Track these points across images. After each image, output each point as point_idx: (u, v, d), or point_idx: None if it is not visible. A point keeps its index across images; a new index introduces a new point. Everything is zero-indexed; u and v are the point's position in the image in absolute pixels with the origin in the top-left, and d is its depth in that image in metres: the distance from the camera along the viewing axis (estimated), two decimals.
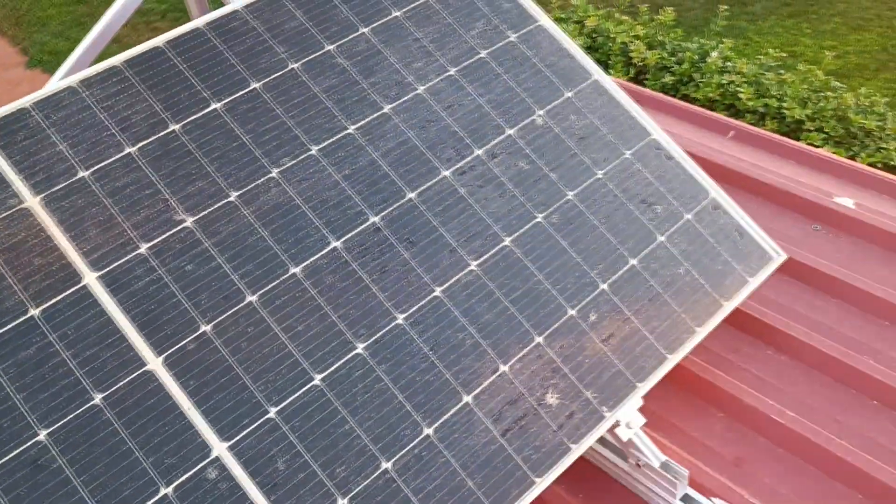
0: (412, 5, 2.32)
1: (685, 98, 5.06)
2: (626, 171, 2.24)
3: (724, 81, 5.02)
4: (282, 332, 1.82)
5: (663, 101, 3.34)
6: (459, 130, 2.17)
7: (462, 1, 2.37)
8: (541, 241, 2.08)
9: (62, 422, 1.64)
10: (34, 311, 1.72)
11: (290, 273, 1.88)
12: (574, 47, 2.40)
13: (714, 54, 5.21)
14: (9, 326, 1.70)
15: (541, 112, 2.26)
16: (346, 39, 2.22)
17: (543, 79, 2.32)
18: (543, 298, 2.01)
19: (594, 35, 5.36)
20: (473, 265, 2.00)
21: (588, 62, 2.39)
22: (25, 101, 1.94)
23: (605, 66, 5.25)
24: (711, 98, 4.97)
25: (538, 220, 2.11)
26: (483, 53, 2.31)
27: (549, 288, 2.02)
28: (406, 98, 2.18)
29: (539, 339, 1.96)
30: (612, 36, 5.25)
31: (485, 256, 2.02)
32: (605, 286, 2.07)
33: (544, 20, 2.43)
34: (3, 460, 1.58)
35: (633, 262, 2.12)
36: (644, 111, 3.22)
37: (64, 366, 1.69)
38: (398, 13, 2.30)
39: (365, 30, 2.25)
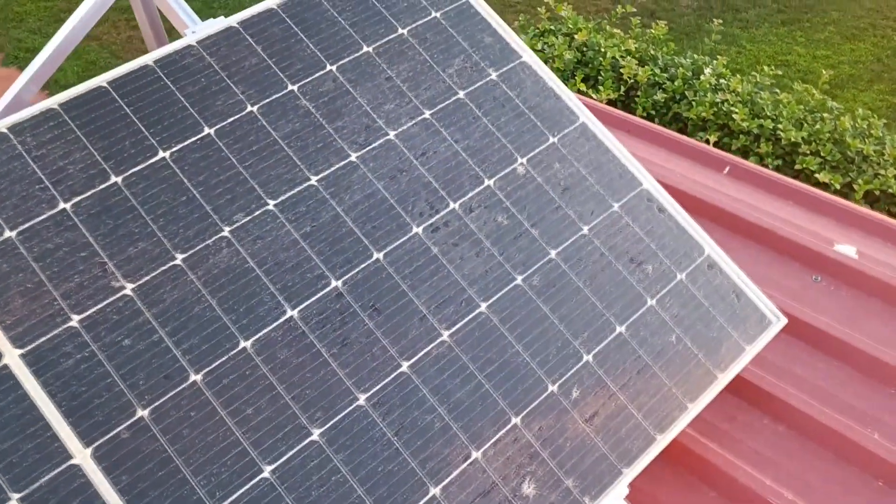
0: (385, 40, 2.13)
1: (677, 117, 4.89)
2: (614, 226, 2.06)
3: (717, 100, 4.84)
4: (228, 416, 1.63)
5: (655, 132, 3.16)
6: (433, 181, 1.98)
7: (439, 35, 2.18)
8: (520, 307, 1.89)
9: None
10: None
11: (239, 348, 1.69)
12: (560, 86, 2.22)
13: (708, 71, 5.04)
14: None
15: (522, 160, 2.08)
16: (310, 78, 2.02)
17: (526, 122, 2.13)
18: (522, 372, 1.83)
19: (584, 49, 5.17)
20: (445, 335, 1.82)
21: (575, 103, 2.21)
22: None
23: (596, 81, 5.07)
24: (704, 117, 4.79)
25: (517, 282, 1.92)
26: (461, 94, 2.12)
27: (528, 360, 1.84)
28: (375, 144, 1.98)
29: (516, 420, 1.78)
30: (602, 50, 5.06)
31: (458, 325, 1.83)
32: (589, 357, 1.89)
33: (528, 55, 2.24)
34: None
35: (621, 329, 1.94)
36: (634, 145, 3.04)
37: None
38: (369, 48, 2.11)
39: (332, 67, 2.05)
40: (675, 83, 4.98)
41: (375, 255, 1.85)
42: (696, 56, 5.29)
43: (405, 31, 2.16)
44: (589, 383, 1.86)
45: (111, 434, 1.56)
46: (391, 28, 2.15)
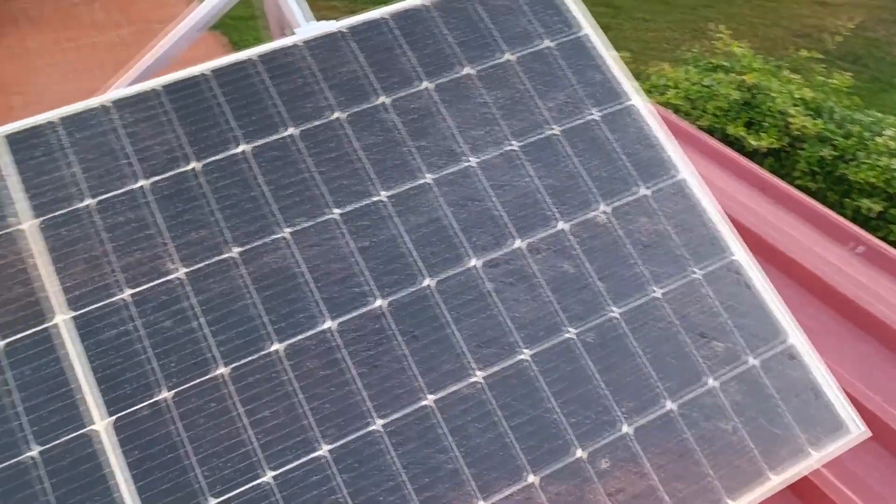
0: (489, 64, 2.09)
1: (841, 179, 4.52)
2: (690, 295, 1.92)
3: (893, 166, 4.43)
4: (245, 414, 1.66)
5: (787, 193, 2.92)
6: (504, 215, 1.92)
7: (547, 66, 2.11)
8: (566, 361, 1.80)
9: None
10: None
11: (271, 349, 1.71)
12: (666, 136, 2.09)
13: (889, 133, 4.62)
14: None
15: (606, 208, 1.98)
16: (403, 93, 2.01)
17: (620, 168, 2.03)
18: (551, 430, 1.74)
19: (754, 91, 4.88)
20: (479, 376, 1.76)
21: (680, 156, 2.08)
22: (53, 114, 1.86)
23: (759, 127, 4.77)
24: (872, 184, 4.40)
25: (570, 335, 1.83)
26: (556, 129, 2.04)
27: (561, 419, 1.75)
28: (453, 170, 1.95)
29: (533, 479, 1.70)
30: (772, 96, 4.76)
31: (495, 368, 1.77)
32: (628, 429, 1.77)
33: (638, 99, 2.12)
34: None
35: (671, 405, 1.81)
36: (755, 200, 2.83)
37: (11, 409, 1.60)
38: (472, 70, 2.07)
39: (428, 84, 2.03)
40: (849, 140, 4.60)
41: (427, 282, 1.82)
42: (879, 115, 4.87)
43: (513, 58, 2.10)
44: (622, 456, 1.74)
45: (132, 409, 1.63)
46: (498, 52, 2.10)
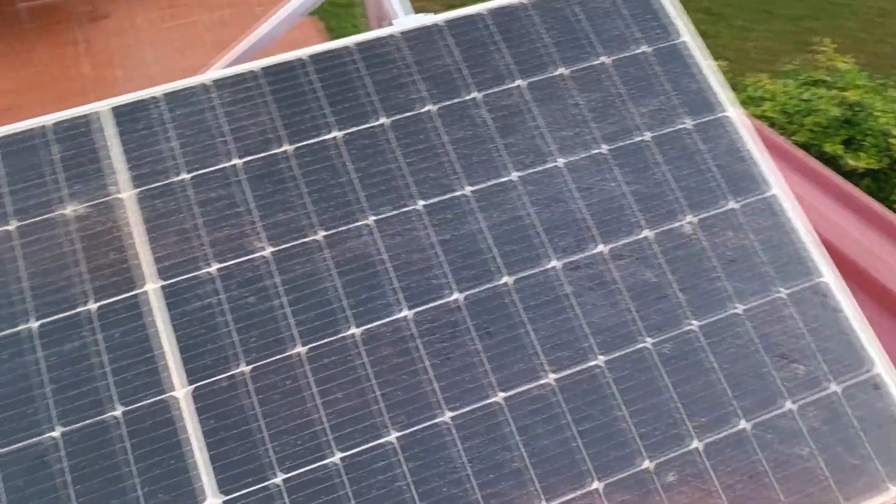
0: (584, 65, 2.07)
1: None
2: (774, 314, 1.87)
3: None
4: (318, 394, 1.69)
5: (885, 217, 2.82)
6: (589, 218, 1.91)
7: (642, 71, 2.08)
8: (640, 371, 1.78)
9: (76, 425, 1.62)
10: (91, 306, 1.72)
11: (348, 333, 1.74)
12: (759, 151, 2.04)
13: None
14: (64, 314, 1.70)
15: (692, 218, 1.94)
16: (496, 89, 2.02)
17: (709, 180, 1.99)
18: (620, 439, 1.72)
19: (856, 108, 4.71)
20: (551, 378, 1.76)
21: (772, 172, 2.02)
22: (157, 90, 1.93)
23: (859, 146, 4.61)
24: None
25: (646, 344, 1.81)
26: (647, 135, 2.01)
27: (630, 427, 1.73)
28: (539, 169, 1.94)
29: (598, 486, 1.68)
30: (875, 114, 4.58)
31: (567, 371, 1.76)
32: (698, 444, 1.74)
33: (733, 111, 2.08)
34: (8, 448, 1.59)
35: (745, 424, 1.77)
36: (853, 222, 2.74)
37: (99, 369, 1.67)
38: (565, 71, 2.06)
39: (521, 82, 2.03)
40: None
41: (505, 279, 1.83)
42: None
43: (608, 61, 2.08)
44: (690, 471, 1.72)
45: (212, 379, 1.68)
46: (594, 54, 2.09)
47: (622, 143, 2.00)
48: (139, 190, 1.83)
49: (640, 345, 1.81)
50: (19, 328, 1.68)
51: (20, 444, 1.59)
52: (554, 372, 1.76)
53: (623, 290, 1.85)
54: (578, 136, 1.99)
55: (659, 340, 1.82)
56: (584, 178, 1.95)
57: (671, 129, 2.03)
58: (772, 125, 4.65)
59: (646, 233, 1.91)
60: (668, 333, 1.82)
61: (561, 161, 1.96)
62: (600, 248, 1.89)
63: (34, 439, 1.60)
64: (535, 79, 2.04)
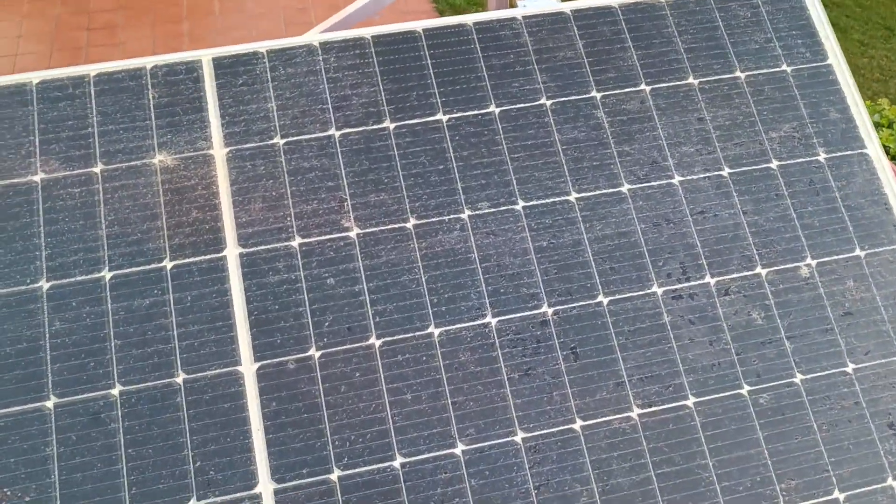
0: (715, 77, 1.91)
1: None
2: (887, 379, 1.71)
3: None
4: (388, 392, 1.60)
5: None
6: (699, 245, 1.76)
7: (779, 92, 1.91)
8: (732, 419, 1.64)
9: (136, 385, 1.56)
10: (167, 263, 1.64)
11: (426, 332, 1.64)
12: None
13: None
14: (138, 269, 1.63)
15: (811, 261, 1.78)
16: (618, 91, 1.87)
17: (837, 221, 1.82)
18: (699, 488, 1.59)
19: None
20: (635, 412, 1.63)
21: None
22: (261, 45, 1.84)
23: None
24: None
25: (742, 391, 1.67)
26: (773, 164, 1.85)
27: (712, 477, 1.60)
28: (654, 184, 1.80)
29: None
30: None
31: (654, 408, 1.63)
32: None
33: (873, 147, 1.89)
34: (65, 399, 1.53)
35: (839, 495, 1.62)
36: None
37: (167, 330, 1.60)
38: (694, 81, 1.90)
39: (645, 87, 1.88)
40: None
41: (600, 298, 1.70)
42: None
43: (742, 76, 1.91)
44: None
45: (280, 359, 1.60)
46: (729, 67, 1.92)
47: (746, 168, 1.84)
48: (230, 149, 1.74)
49: (737, 391, 1.66)
50: (92, 276, 1.62)
51: (77, 398, 1.53)
52: (640, 406, 1.63)
53: (726, 328, 1.71)
54: (700, 154, 1.84)
55: (757, 389, 1.67)
56: (699, 200, 1.80)
57: (802, 160, 1.86)
58: (887, 153, 4.37)
59: (759, 269, 1.76)
60: (769, 383, 1.68)
61: (678, 178, 1.81)
62: (707, 279, 1.74)
63: (92, 394, 1.54)
64: (662, 85, 1.89)
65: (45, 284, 1.60)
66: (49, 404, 1.53)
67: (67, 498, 1.48)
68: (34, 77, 1.75)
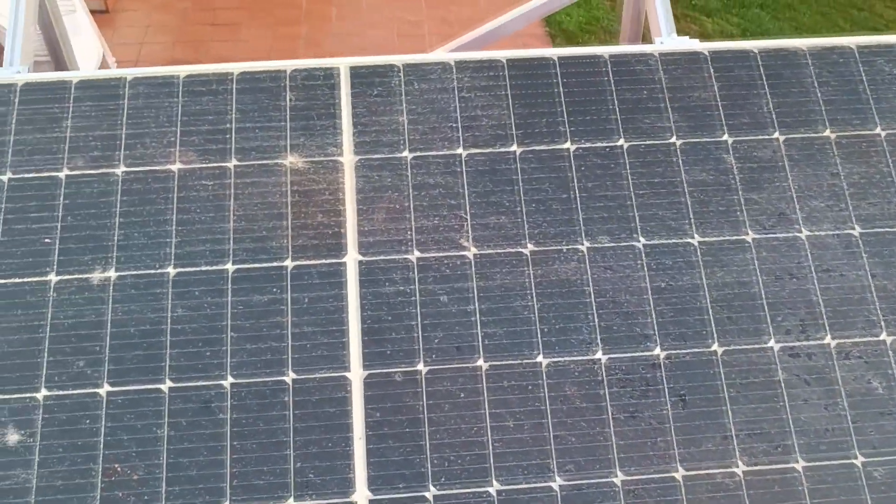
0: (853, 133, 1.85)
1: None
2: None
3: None
4: (491, 416, 1.59)
5: None
6: (821, 303, 1.70)
7: None
8: (842, 489, 1.58)
9: (248, 380, 1.59)
10: (288, 263, 1.68)
11: (534, 360, 1.63)
12: None
13: None
14: (262, 265, 1.67)
15: None
16: (750, 137, 1.83)
17: None
18: None
19: None
20: (740, 469, 1.58)
21: None
22: (397, 58, 1.87)
23: None
24: None
25: (855, 461, 1.60)
26: None
27: None
28: (780, 236, 1.75)
29: None
30: None
31: (760, 467, 1.59)
32: None
33: None
34: (179, 385, 1.58)
35: None
36: None
37: (282, 328, 1.63)
38: (832, 134, 1.85)
39: (779, 136, 1.84)
40: None
41: (714, 347, 1.66)
42: None
43: (882, 133, 1.85)
44: None
45: (388, 370, 1.61)
46: (868, 123, 1.86)
47: (879, 230, 1.77)
48: (360, 157, 1.77)
49: (850, 460, 1.60)
50: (216, 267, 1.67)
51: (190, 384, 1.58)
52: (746, 463, 1.59)
53: (843, 393, 1.64)
54: (830, 210, 1.78)
55: (872, 461, 1.60)
56: (826, 257, 1.74)
57: None
58: None
59: (884, 336, 1.69)
60: (885, 456, 1.61)
61: (805, 232, 1.76)
62: (827, 339, 1.68)
63: (205, 382, 1.59)
64: (796, 135, 1.84)
65: (171, 271, 1.66)
66: (164, 387, 1.58)
67: (173, 480, 1.52)
68: (182, 71, 1.82)
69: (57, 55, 2.20)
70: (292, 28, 6.80)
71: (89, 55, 5.80)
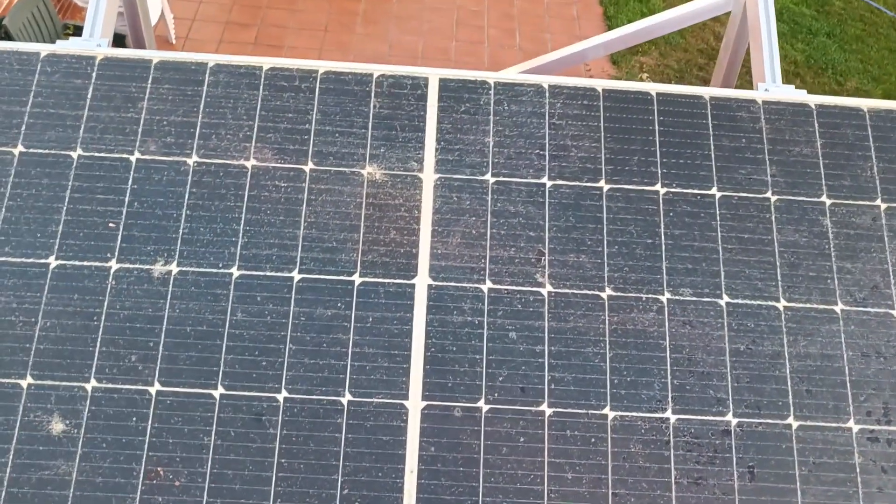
0: None
1: None
2: None
3: None
4: (549, 466, 1.52)
5: None
6: None
7: None
8: None
9: (303, 396, 1.53)
10: (356, 278, 1.61)
11: (601, 412, 1.56)
12: None
13: None
14: (329, 277, 1.61)
15: None
16: (850, 202, 1.74)
17: None
18: None
19: None
20: None
21: None
22: (491, 76, 1.79)
23: None
24: None
25: None
26: None
27: None
28: (871, 310, 1.66)
29: None
30: None
31: None
32: None
33: None
34: (234, 392, 1.52)
35: None
36: None
37: (343, 346, 1.56)
38: None
39: (881, 203, 1.74)
40: None
41: (790, 420, 1.58)
42: None
43: None
44: None
45: (448, 403, 1.54)
46: None
47: None
48: (440, 176, 1.70)
49: None
50: (282, 273, 1.60)
51: (243, 394, 1.52)
52: None
53: None
54: None
55: None
56: None
57: None
58: None
59: None
60: None
61: None
62: None
63: (258, 394, 1.53)
64: None
65: (235, 272, 1.60)
66: (216, 394, 1.52)
67: (215, 491, 1.47)
68: (266, 62, 1.75)
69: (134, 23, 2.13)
70: (351, 3, 6.72)
71: (151, 8, 5.77)
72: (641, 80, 6.30)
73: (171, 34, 6.03)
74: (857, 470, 1.56)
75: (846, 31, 7.55)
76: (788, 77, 6.86)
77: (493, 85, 1.78)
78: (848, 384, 1.61)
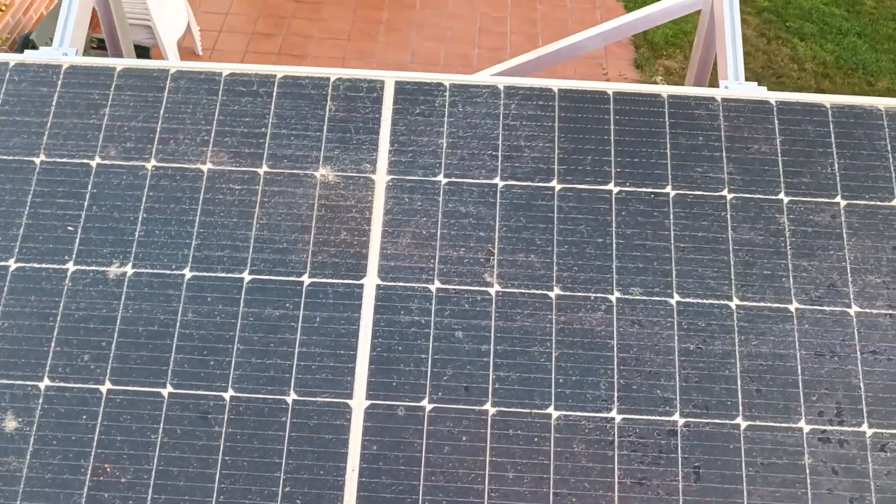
0: None
1: None
2: None
3: None
4: (491, 465, 1.52)
5: None
6: (862, 388, 1.58)
7: None
8: None
9: (249, 395, 1.55)
10: (305, 279, 1.64)
11: (545, 411, 1.55)
12: None
13: None
14: (279, 278, 1.63)
15: None
16: (808, 199, 1.71)
17: None
18: None
19: None
20: None
21: None
22: (446, 77, 1.80)
23: None
24: None
25: None
26: None
27: None
28: (827, 309, 1.63)
29: None
30: None
31: None
32: None
33: None
34: (180, 391, 1.55)
35: None
36: None
37: (289, 346, 1.59)
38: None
39: (841, 201, 1.71)
40: None
41: (738, 420, 1.55)
42: None
43: None
44: None
45: (391, 403, 1.56)
46: None
47: None
48: (392, 177, 1.71)
49: None
50: (232, 275, 1.63)
51: (190, 392, 1.55)
52: None
53: (873, 487, 1.52)
54: (886, 287, 1.65)
55: None
56: (874, 338, 1.62)
57: None
58: None
59: None
60: None
61: (855, 309, 1.64)
62: (864, 427, 1.56)
63: (205, 392, 1.56)
64: (860, 202, 1.71)
65: (188, 273, 1.63)
66: (164, 392, 1.55)
67: (160, 488, 1.50)
68: (226, 68, 1.79)
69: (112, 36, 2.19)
70: (375, 12, 6.78)
71: (177, 21, 5.89)
72: (656, 83, 6.25)
73: (198, 46, 6.15)
74: (807, 471, 1.53)
75: (878, 30, 7.39)
76: (817, 78, 6.73)
77: (448, 87, 1.79)
78: (800, 384, 1.58)
